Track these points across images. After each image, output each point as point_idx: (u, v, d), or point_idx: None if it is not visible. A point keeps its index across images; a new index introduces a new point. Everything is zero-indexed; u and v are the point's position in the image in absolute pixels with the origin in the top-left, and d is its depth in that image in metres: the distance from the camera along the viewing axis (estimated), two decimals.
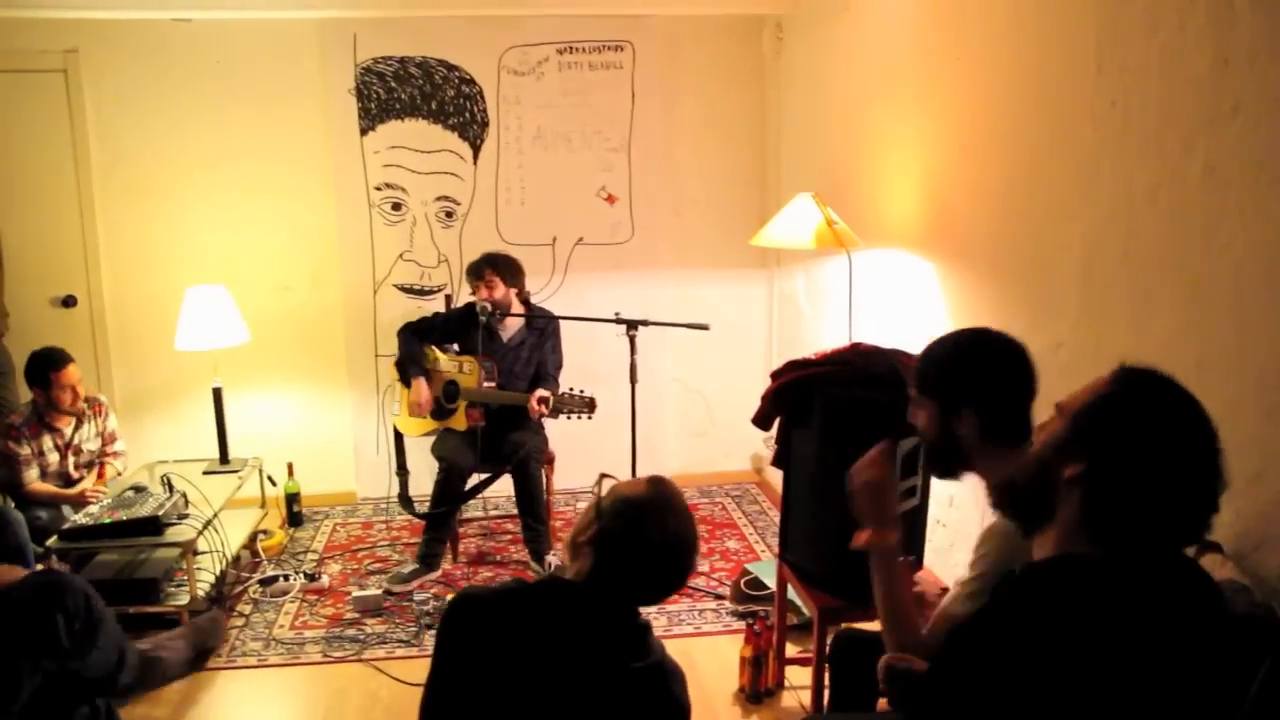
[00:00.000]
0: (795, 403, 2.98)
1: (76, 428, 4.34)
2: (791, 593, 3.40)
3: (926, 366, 2.16)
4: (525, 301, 4.55)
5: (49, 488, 4.23)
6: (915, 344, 3.26)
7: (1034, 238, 2.89)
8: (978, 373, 2.08)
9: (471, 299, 4.48)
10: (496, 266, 4.39)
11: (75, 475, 4.36)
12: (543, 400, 4.20)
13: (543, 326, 4.54)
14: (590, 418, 4.28)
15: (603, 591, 1.81)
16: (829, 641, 2.80)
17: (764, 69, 5.31)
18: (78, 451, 4.36)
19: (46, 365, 4.15)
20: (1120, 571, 1.40)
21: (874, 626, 3.05)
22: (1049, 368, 2.78)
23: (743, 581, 4.04)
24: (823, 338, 4.54)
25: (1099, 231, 2.55)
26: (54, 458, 4.28)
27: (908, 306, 3.74)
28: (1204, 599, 1.44)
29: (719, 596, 4.14)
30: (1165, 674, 1.36)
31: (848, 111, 4.29)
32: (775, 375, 3.04)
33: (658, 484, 1.87)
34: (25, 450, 4.16)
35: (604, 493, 1.90)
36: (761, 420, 3.12)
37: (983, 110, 3.16)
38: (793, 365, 3.01)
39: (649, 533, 1.80)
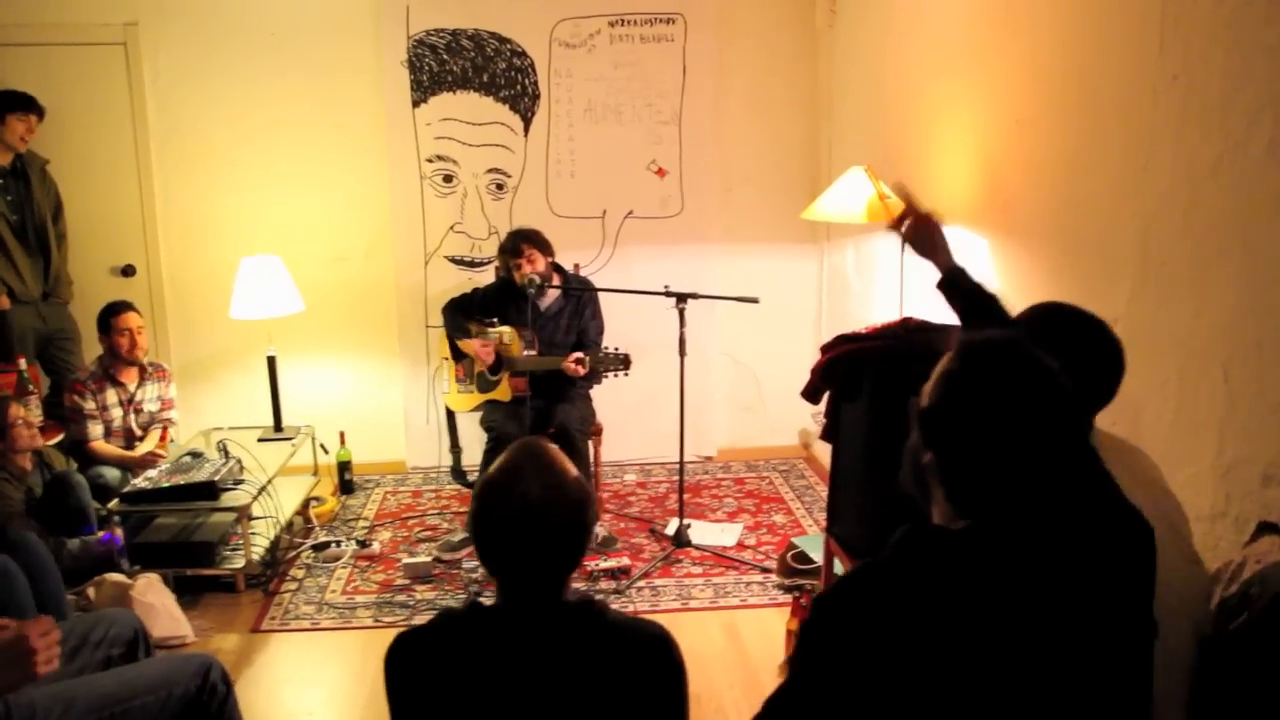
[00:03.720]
0: (845, 377, 2.98)
1: (140, 384, 4.50)
2: (838, 566, 3.40)
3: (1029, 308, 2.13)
4: (558, 270, 4.58)
5: (112, 449, 4.38)
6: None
7: (1090, 213, 2.85)
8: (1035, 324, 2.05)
9: (500, 275, 4.60)
10: (532, 241, 4.42)
11: (139, 434, 4.52)
12: (579, 360, 4.24)
13: (579, 294, 4.57)
14: (627, 374, 4.32)
15: (512, 604, 1.67)
16: None
17: (817, 42, 5.26)
18: (138, 410, 4.51)
19: (109, 312, 4.40)
20: (972, 542, 1.40)
21: None
22: None
23: (789, 555, 4.05)
24: (873, 313, 4.51)
25: (1157, 206, 2.51)
26: (117, 413, 4.44)
27: None
28: (1088, 555, 1.42)
29: (765, 570, 4.15)
30: (1029, 639, 1.36)
31: (901, 84, 4.25)
32: (825, 349, 3.03)
33: (512, 452, 1.71)
34: (90, 404, 4.33)
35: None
36: (811, 394, 3.12)
37: (1039, 84, 3.12)
38: (843, 339, 3.00)
39: (497, 512, 1.64)
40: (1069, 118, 2.95)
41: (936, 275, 3.83)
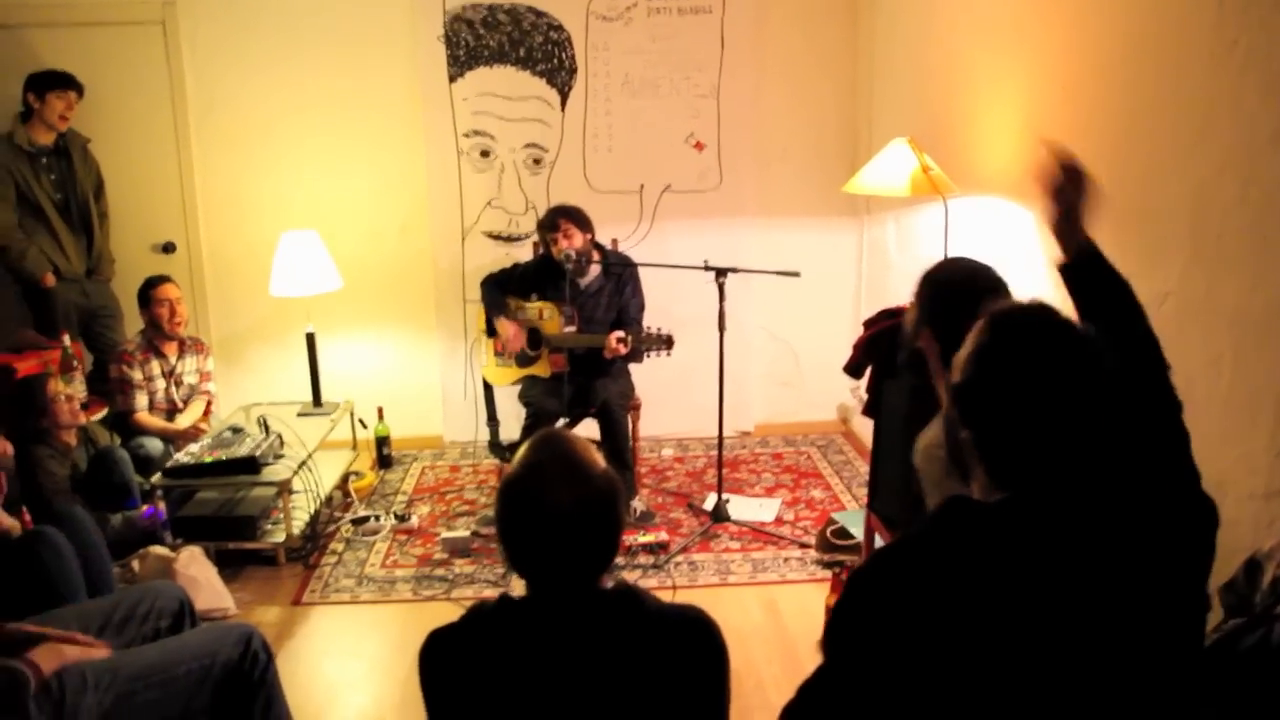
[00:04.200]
0: (888, 352, 2.94)
1: (180, 356, 4.58)
2: (879, 542, 3.37)
3: (922, 276, 2.31)
4: (598, 247, 4.56)
5: (156, 421, 4.46)
6: (1013, 293, 3.19)
7: (1141, 184, 2.78)
8: (941, 300, 2.22)
9: (540, 252, 4.60)
10: (570, 216, 4.40)
11: (180, 407, 4.59)
12: (621, 339, 4.22)
13: (620, 272, 4.54)
14: (669, 354, 4.29)
15: (545, 597, 1.62)
16: None
17: (857, 12, 5.17)
18: (179, 382, 4.58)
19: (147, 285, 4.50)
20: (1010, 515, 1.39)
21: None
22: (1155, 320, 2.69)
23: (829, 531, 4.03)
24: (914, 287, 4.45)
25: (1213, 177, 2.44)
26: (160, 384, 4.52)
27: (1005, 255, 3.64)
28: (1126, 534, 1.39)
29: (804, 545, 4.13)
30: (1061, 616, 1.34)
31: (944, 54, 4.17)
32: (868, 324, 3.00)
33: (533, 449, 1.64)
34: (137, 374, 4.41)
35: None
36: (853, 369, 3.08)
37: (1088, 52, 3.04)
38: (886, 314, 2.96)
39: (523, 518, 1.58)
40: (1118, 86, 2.87)
41: (980, 247, 3.77)
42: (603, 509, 1.59)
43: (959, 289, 2.21)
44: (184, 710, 2.40)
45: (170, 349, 4.54)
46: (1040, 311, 1.45)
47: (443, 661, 1.65)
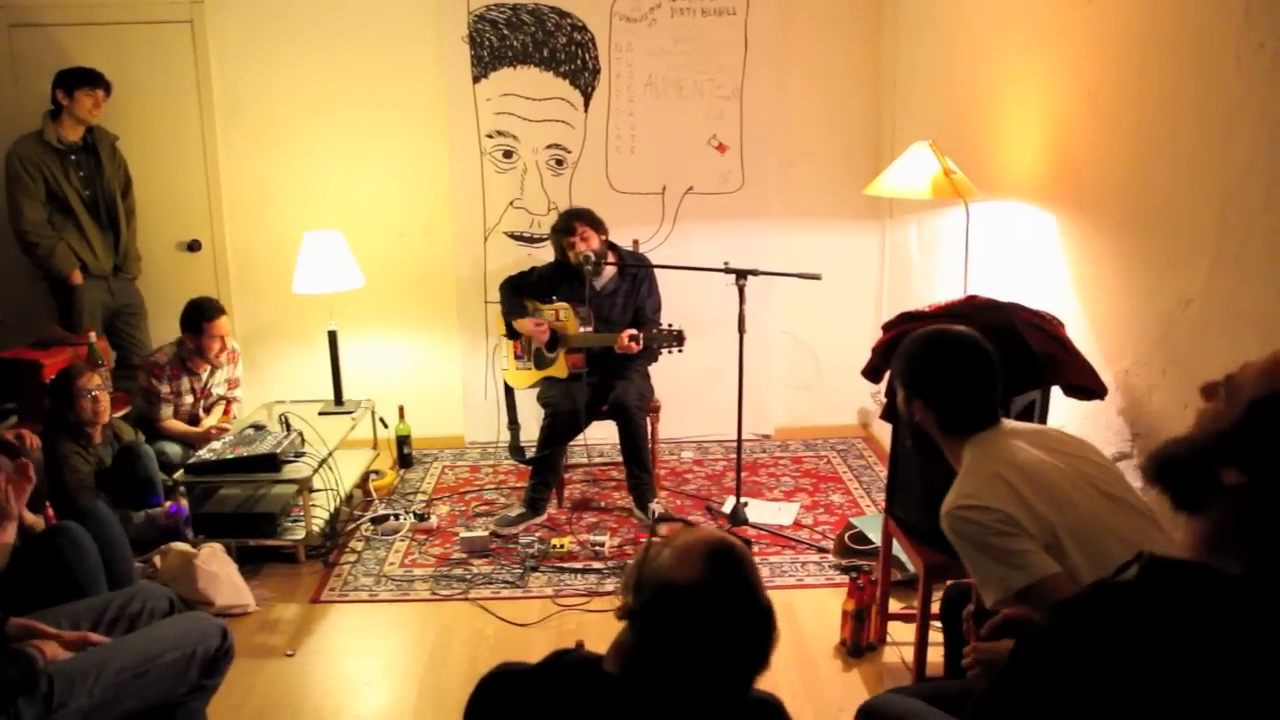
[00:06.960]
0: None
1: (211, 374, 4.58)
2: (896, 548, 3.36)
3: (896, 356, 2.32)
4: (613, 247, 4.56)
5: (180, 425, 4.48)
6: (1034, 298, 3.17)
7: (1164, 189, 2.75)
8: (920, 369, 2.23)
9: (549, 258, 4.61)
10: (584, 219, 4.41)
11: (202, 417, 4.60)
12: (633, 337, 4.23)
13: (635, 272, 4.54)
14: (681, 350, 4.28)
15: (645, 693, 1.47)
16: (940, 595, 2.76)
17: (881, 14, 5.15)
18: (207, 395, 4.59)
19: (201, 315, 4.39)
20: (1267, 595, 1.16)
21: None
22: (1177, 326, 2.68)
23: (847, 535, 4.01)
24: (935, 290, 4.43)
25: (1239, 181, 2.42)
26: (188, 399, 4.52)
27: (1026, 259, 3.62)
28: None
29: (822, 550, 4.11)
30: None
31: (968, 57, 4.15)
32: (887, 327, 2.98)
33: (713, 566, 1.46)
34: (165, 388, 4.41)
35: (655, 543, 1.55)
36: (872, 372, 3.06)
37: (1111, 55, 3.01)
38: (906, 317, 2.94)
39: (688, 636, 1.44)
40: (1144, 89, 2.84)
41: (1001, 251, 3.74)
42: (764, 650, 1.48)
43: (933, 349, 2.23)
44: (170, 696, 2.51)
45: (203, 367, 4.52)
46: None
47: (500, 704, 1.53)
